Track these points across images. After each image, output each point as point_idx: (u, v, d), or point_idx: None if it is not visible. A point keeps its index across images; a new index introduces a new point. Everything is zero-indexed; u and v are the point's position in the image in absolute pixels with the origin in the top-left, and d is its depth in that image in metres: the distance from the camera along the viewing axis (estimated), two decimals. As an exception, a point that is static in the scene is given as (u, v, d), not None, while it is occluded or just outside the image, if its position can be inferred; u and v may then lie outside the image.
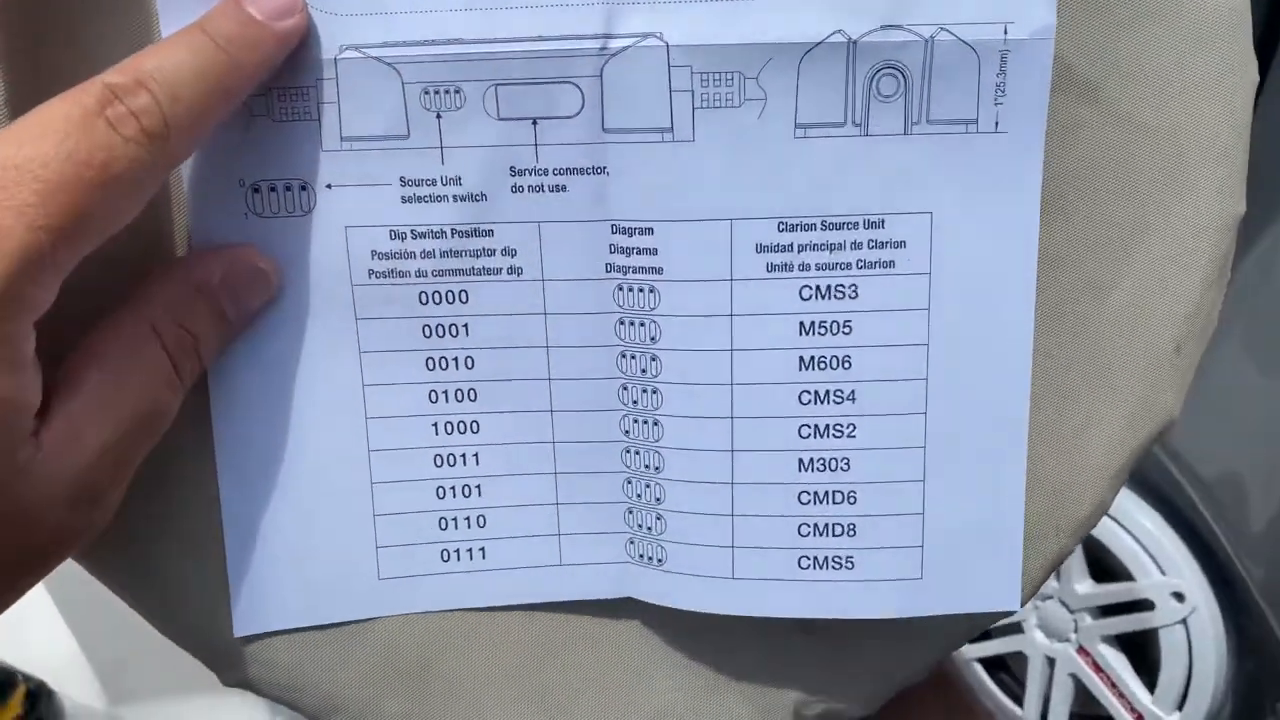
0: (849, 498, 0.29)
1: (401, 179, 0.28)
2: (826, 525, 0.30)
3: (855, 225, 0.28)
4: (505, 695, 0.32)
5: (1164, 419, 0.30)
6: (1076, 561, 0.84)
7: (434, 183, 0.28)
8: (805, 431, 0.29)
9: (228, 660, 0.31)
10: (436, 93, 0.27)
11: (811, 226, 0.28)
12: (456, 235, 0.28)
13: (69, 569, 0.31)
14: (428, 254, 0.29)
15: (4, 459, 0.22)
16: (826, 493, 0.30)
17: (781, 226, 0.28)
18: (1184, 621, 0.80)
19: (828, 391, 0.29)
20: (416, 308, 0.29)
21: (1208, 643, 0.80)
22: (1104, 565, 0.83)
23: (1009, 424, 0.29)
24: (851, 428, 0.29)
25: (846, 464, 0.29)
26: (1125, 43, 0.28)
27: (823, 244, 0.28)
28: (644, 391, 0.30)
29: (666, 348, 0.29)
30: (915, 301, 0.28)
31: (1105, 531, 0.82)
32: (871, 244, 0.28)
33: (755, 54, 0.27)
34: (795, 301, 0.28)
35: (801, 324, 0.28)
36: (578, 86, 0.27)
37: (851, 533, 0.30)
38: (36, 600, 0.69)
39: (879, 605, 0.30)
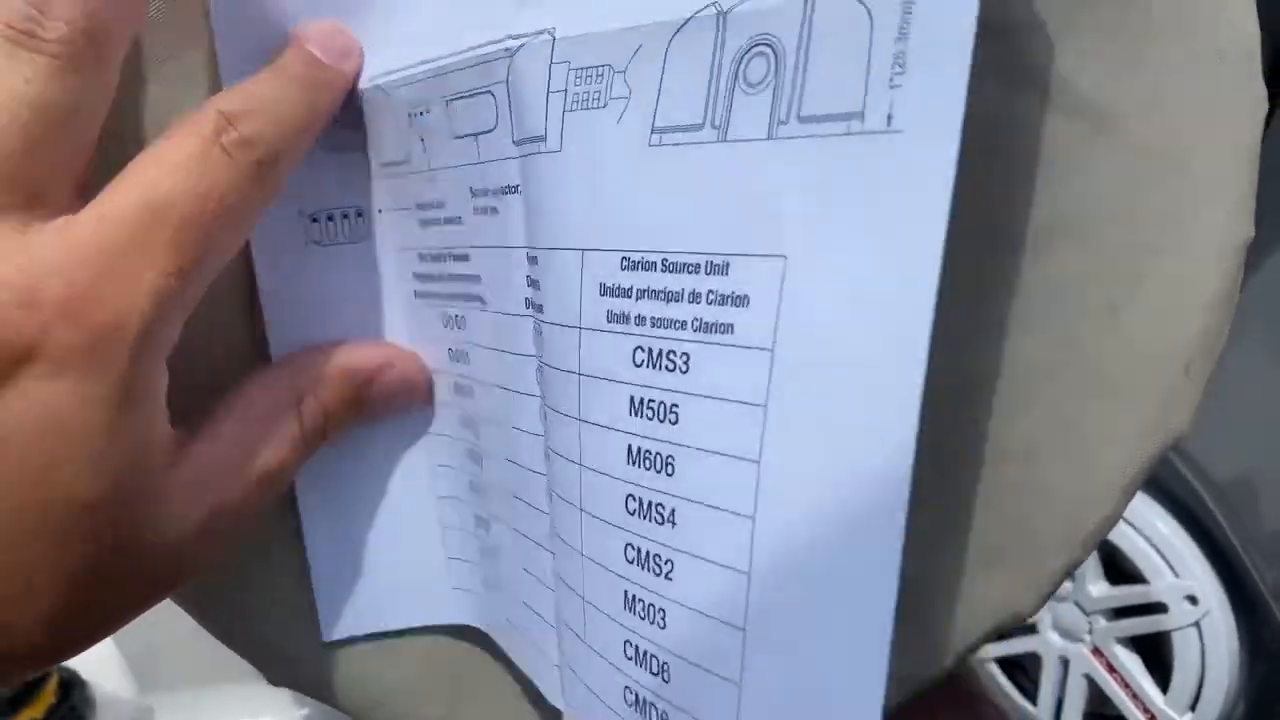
0: (659, 648, 0.23)
1: (417, 204, 0.29)
2: (645, 663, 0.23)
3: (696, 269, 0.21)
4: (526, 704, 0.33)
5: (1174, 435, 0.31)
6: (1091, 564, 0.84)
7: (431, 206, 0.28)
8: (630, 554, 0.23)
9: (275, 661, 0.32)
10: (418, 114, 0.27)
11: (652, 266, 0.21)
12: (452, 259, 0.28)
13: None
14: (440, 277, 0.29)
15: (139, 495, 0.23)
16: (646, 635, 0.23)
17: (624, 263, 0.22)
18: (1197, 624, 0.80)
19: (650, 504, 0.22)
20: (441, 331, 0.30)
21: (1220, 645, 0.80)
22: (1118, 567, 0.84)
23: (870, 589, 0.19)
24: (670, 566, 0.21)
25: (662, 614, 0.22)
26: (1136, 69, 0.28)
27: (661, 291, 0.21)
28: (545, 456, 0.26)
29: (551, 408, 0.25)
30: (749, 391, 0.20)
31: (1120, 534, 0.82)
32: (711, 297, 0.21)
33: (628, 41, 0.21)
34: (629, 366, 0.22)
35: (632, 399, 0.22)
36: (492, 95, 0.24)
37: (666, 681, 0.23)
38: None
39: None
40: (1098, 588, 0.84)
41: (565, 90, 0.22)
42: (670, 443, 0.21)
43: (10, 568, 0.22)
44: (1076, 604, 0.86)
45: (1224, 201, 0.29)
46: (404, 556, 0.31)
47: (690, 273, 0.21)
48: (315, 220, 0.29)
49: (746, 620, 0.20)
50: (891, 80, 0.18)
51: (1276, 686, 0.81)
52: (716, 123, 0.20)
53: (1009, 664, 0.93)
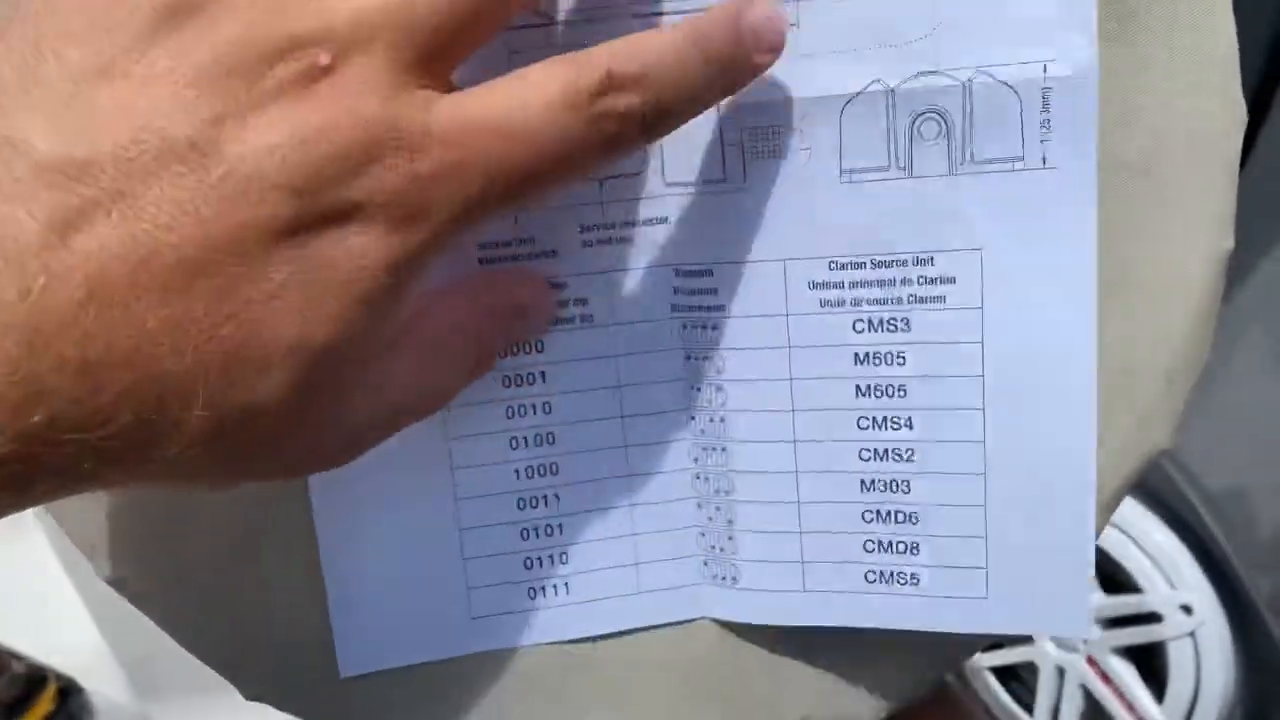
0: (911, 518, 0.31)
1: (479, 244, 0.30)
2: (891, 543, 0.31)
3: (905, 263, 0.29)
4: (519, 711, 0.33)
5: (1155, 449, 0.31)
6: (1086, 573, 0.85)
7: (509, 244, 0.30)
8: (865, 455, 0.30)
9: (289, 693, 0.33)
10: None
11: (861, 265, 0.29)
12: None
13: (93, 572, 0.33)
14: None
15: (347, 387, 0.24)
16: (889, 512, 0.31)
17: (832, 265, 0.29)
18: (1192, 634, 0.81)
19: (885, 418, 0.30)
20: (495, 360, 0.30)
21: (1215, 656, 0.81)
22: (1114, 578, 0.84)
23: (1074, 452, 0.29)
24: (910, 453, 0.30)
25: (907, 486, 0.30)
26: (1114, 86, 0.29)
27: (874, 280, 0.29)
28: (711, 420, 0.31)
29: (731, 378, 0.31)
30: (968, 334, 0.29)
31: (1115, 544, 0.83)
32: (921, 280, 0.29)
33: (799, 107, 0.28)
34: (849, 334, 0.30)
35: (856, 354, 0.30)
36: None
37: (915, 551, 0.31)
38: (66, 599, 0.71)
39: (944, 620, 0.31)
40: (1093, 597, 0.85)
41: (740, 143, 0.29)
42: (900, 376, 0.30)
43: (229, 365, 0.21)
44: (1072, 614, 0.86)
45: (1203, 214, 0.29)
46: (423, 590, 0.32)
47: (900, 266, 0.29)
48: None
49: (985, 466, 0.30)
50: (1042, 137, 0.27)
51: (1271, 697, 0.81)
52: (902, 165, 0.28)
53: (1005, 674, 0.93)
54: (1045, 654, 0.88)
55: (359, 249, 0.22)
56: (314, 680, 0.32)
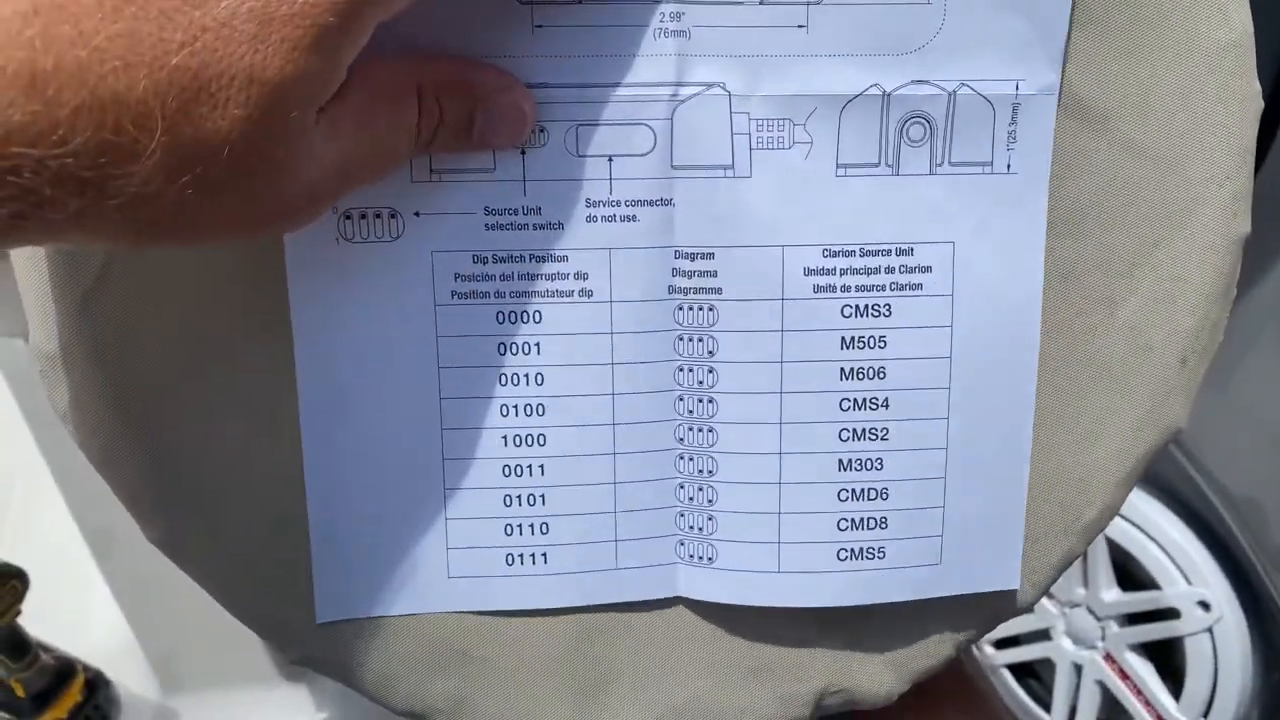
0: (882, 494, 0.33)
1: (486, 208, 0.31)
2: (863, 519, 0.33)
3: (889, 252, 0.31)
4: (543, 680, 0.34)
5: (1171, 428, 0.32)
6: (1104, 570, 0.85)
7: (516, 212, 0.31)
8: (845, 435, 0.32)
9: (292, 640, 0.34)
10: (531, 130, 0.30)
11: (851, 253, 0.31)
12: (533, 260, 0.31)
13: (127, 564, 0.33)
14: (506, 277, 0.31)
15: (301, 129, 0.24)
16: (863, 489, 0.33)
17: (826, 252, 0.31)
18: (1209, 630, 0.81)
19: (865, 399, 0.32)
20: (494, 326, 0.32)
21: (1233, 652, 0.81)
22: (1131, 574, 0.85)
23: (1016, 427, 0.32)
24: (885, 431, 0.32)
25: (880, 463, 0.33)
26: (1131, 73, 0.30)
27: (861, 268, 0.31)
28: (700, 401, 0.32)
29: (724, 360, 0.32)
30: (940, 319, 0.32)
31: (1132, 540, 0.83)
32: (903, 269, 0.31)
33: (804, 104, 0.30)
34: (838, 318, 0.32)
35: (843, 338, 0.32)
36: (650, 128, 0.30)
37: (884, 525, 0.33)
38: (95, 592, 0.72)
39: (904, 590, 0.33)
40: (1110, 594, 0.85)
41: (749, 134, 0.30)
42: (881, 359, 0.32)
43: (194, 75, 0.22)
44: (1089, 610, 0.86)
45: (1219, 197, 0.30)
46: (403, 546, 0.33)
47: (884, 255, 0.31)
48: (348, 217, 0.31)
49: (947, 441, 0.32)
50: (1008, 145, 0.31)
51: (1289, 693, 0.81)
52: (890, 162, 0.31)
53: (1022, 671, 0.93)
54: (1062, 651, 0.88)
55: None
56: (350, 641, 0.33)
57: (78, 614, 0.71)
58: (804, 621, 0.34)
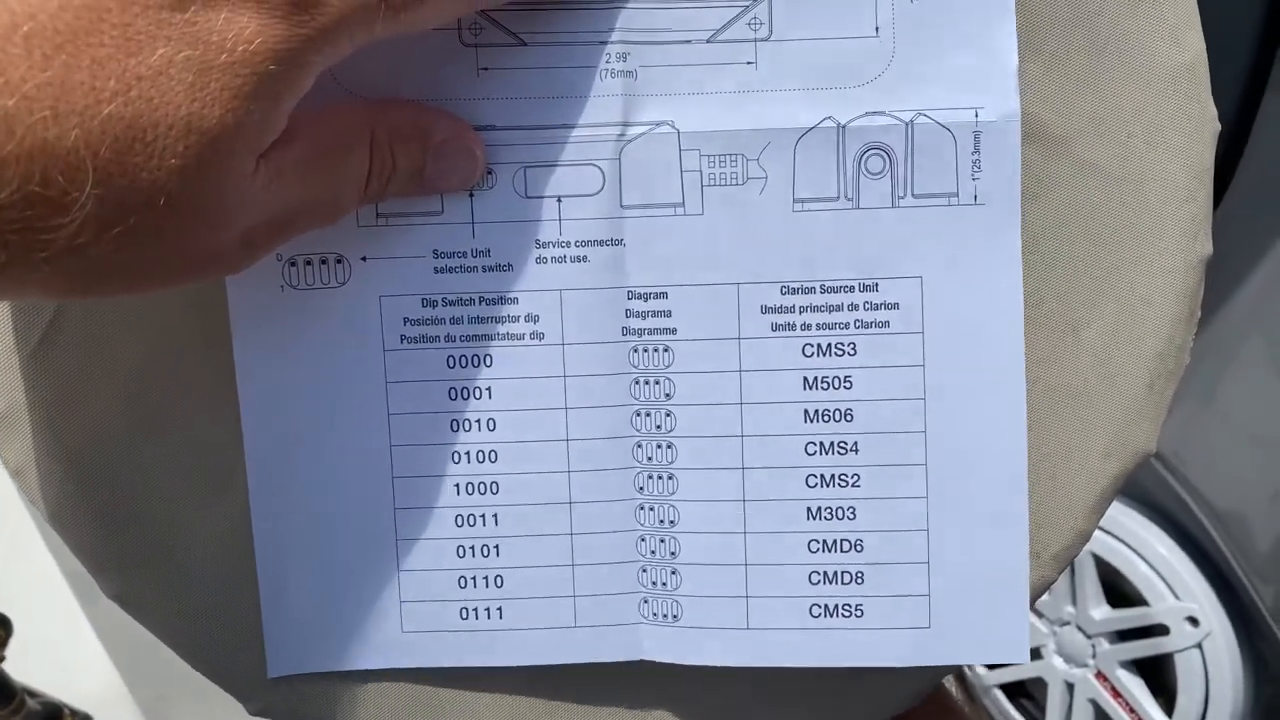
0: (856, 545, 0.31)
1: (435, 251, 0.30)
2: (836, 573, 0.31)
3: (851, 289, 0.30)
4: None
5: (1139, 452, 0.32)
6: (1093, 587, 0.85)
7: (465, 255, 0.30)
8: (812, 481, 0.31)
9: (254, 693, 0.33)
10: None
11: (811, 290, 0.30)
12: (484, 303, 0.31)
13: (114, 608, 0.33)
14: (456, 320, 0.31)
15: (239, 177, 0.23)
16: (835, 540, 0.31)
17: (784, 290, 0.30)
18: (1199, 646, 0.81)
19: (832, 443, 0.31)
20: (444, 371, 0.31)
21: (1223, 667, 0.81)
22: (1120, 591, 0.85)
23: (1008, 475, 0.31)
24: (856, 477, 0.31)
25: (853, 513, 0.31)
26: (1088, 97, 0.30)
27: (822, 305, 0.30)
28: (658, 447, 0.31)
29: (681, 403, 0.31)
30: (911, 358, 0.30)
31: (1120, 557, 0.83)
32: (867, 305, 0.30)
33: (756, 139, 0.30)
34: (799, 358, 0.31)
35: (805, 379, 0.31)
36: (599, 168, 0.30)
37: (860, 580, 0.31)
38: (82, 636, 0.71)
39: (888, 654, 0.31)
40: (1100, 611, 0.85)
41: (700, 170, 0.30)
42: (847, 400, 0.31)
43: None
44: (1079, 628, 0.86)
45: (1179, 220, 0.30)
46: (356, 599, 0.32)
47: (846, 291, 0.30)
48: (293, 264, 0.30)
49: (928, 490, 0.31)
50: (973, 174, 0.30)
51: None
52: (849, 196, 0.30)
53: (1014, 690, 0.93)
54: (1053, 669, 0.88)
55: (249, 33, 0.22)
56: (313, 690, 0.33)
57: (65, 658, 0.71)
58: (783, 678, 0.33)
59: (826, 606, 0.31)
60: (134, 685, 0.72)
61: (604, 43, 0.29)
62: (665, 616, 0.32)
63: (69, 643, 0.73)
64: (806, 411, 0.31)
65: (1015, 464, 0.31)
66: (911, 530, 0.31)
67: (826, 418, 0.31)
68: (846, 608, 0.31)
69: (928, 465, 0.31)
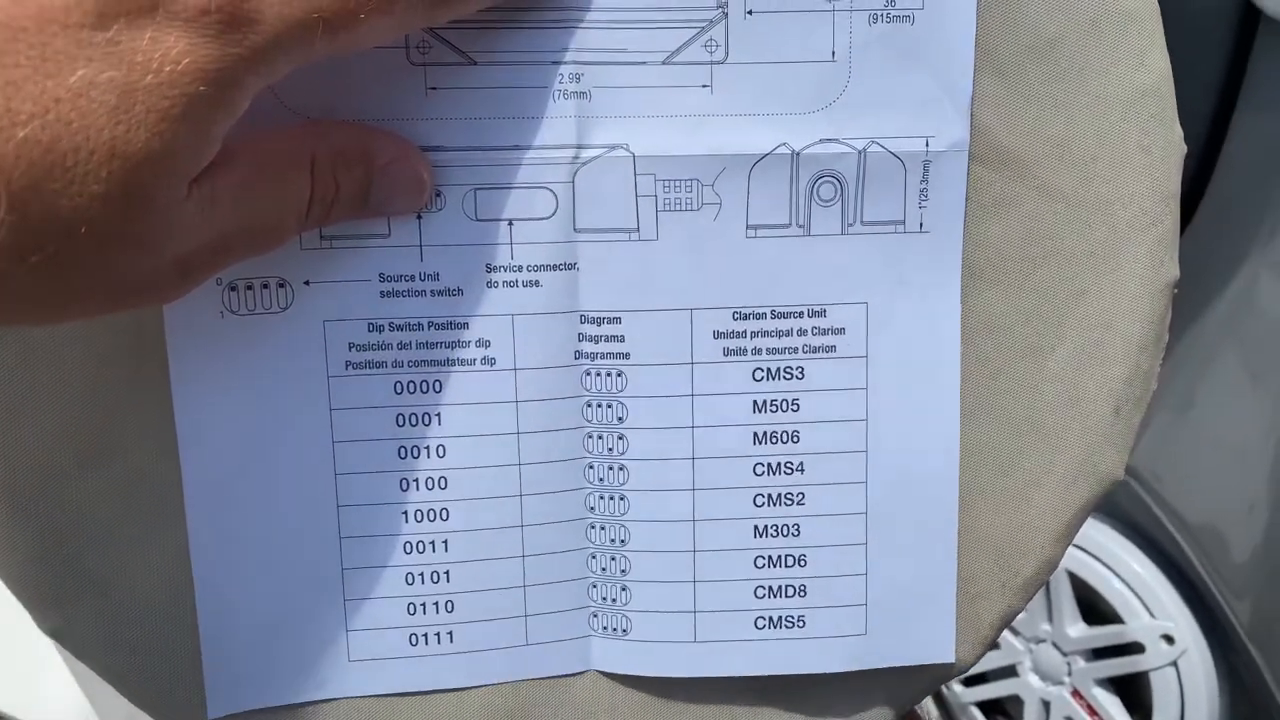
0: (800, 561, 0.32)
1: (381, 275, 0.30)
2: (780, 587, 0.32)
3: (800, 314, 0.31)
4: None
5: (1106, 479, 0.31)
6: (1068, 605, 0.85)
7: (412, 278, 0.30)
8: (760, 500, 0.32)
9: None
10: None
11: (762, 315, 0.31)
12: (432, 327, 0.30)
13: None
14: (404, 345, 0.30)
15: (168, 204, 0.22)
16: (780, 556, 0.32)
17: (736, 315, 0.31)
18: (1174, 664, 0.81)
19: (779, 463, 0.32)
20: (391, 398, 0.30)
21: (1199, 685, 0.81)
22: (1095, 608, 0.84)
23: (940, 491, 0.32)
24: (801, 496, 0.32)
25: (797, 530, 0.32)
26: (1049, 122, 0.30)
27: (772, 330, 0.31)
28: (610, 469, 0.31)
29: (633, 426, 0.31)
30: (855, 381, 0.31)
31: (1095, 574, 0.83)
32: (815, 330, 0.31)
33: (712, 164, 0.30)
34: (749, 382, 0.31)
35: (755, 402, 0.31)
36: (552, 191, 0.30)
37: (803, 593, 0.32)
38: (49, 660, 0.70)
39: (828, 661, 0.32)
40: (1075, 629, 0.85)
41: (655, 195, 0.30)
42: (794, 423, 0.31)
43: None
44: (1055, 645, 0.86)
45: (1144, 243, 0.30)
46: (299, 631, 0.31)
47: (796, 317, 0.31)
48: (233, 289, 0.29)
49: (867, 506, 0.32)
50: (920, 203, 0.30)
51: (1256, 726, 0.81)
52: (801, 223, 0.30)
53: (990, 708, 0.93)
54: (1030, 687, 0.88)
55: (176, 52, 0.21)
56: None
57: (31, 684, 0.70)
58: (733, 688, 0.33)
59: (771, 618, 0.32)
60: (104, 711, 0.72)
61: (557, 63, 0.29)
62: (615, 630, 0.32)
63: (37, 667, 0.72)
64: (755, 434, 0.31)
65: (948, 478, 0.32)
66: (851, 545, 0.32)
67: (774, 439, 0.31)
68: (789, 619, 0.32)
69: (868, 483, 0.32)
